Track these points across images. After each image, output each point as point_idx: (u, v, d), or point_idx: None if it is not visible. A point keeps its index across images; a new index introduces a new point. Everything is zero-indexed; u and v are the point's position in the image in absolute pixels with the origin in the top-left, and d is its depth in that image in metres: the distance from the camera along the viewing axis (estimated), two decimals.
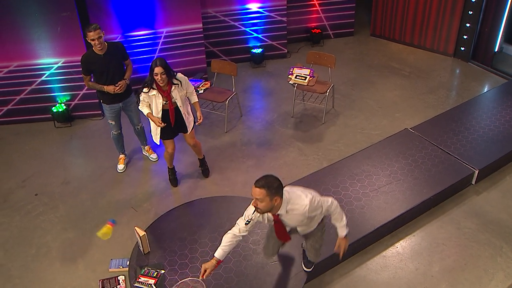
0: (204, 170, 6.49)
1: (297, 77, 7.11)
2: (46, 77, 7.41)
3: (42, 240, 5.70)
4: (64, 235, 5.76)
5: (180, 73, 5.63)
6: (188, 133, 5.95)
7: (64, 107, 7.57)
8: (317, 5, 9.55)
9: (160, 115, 5.64)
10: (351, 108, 7.83)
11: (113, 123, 6.37)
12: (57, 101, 7.62)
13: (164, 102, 5.58)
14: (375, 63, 9.16)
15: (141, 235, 5.03)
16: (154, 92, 5.53)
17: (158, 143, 5.96)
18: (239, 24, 8.82)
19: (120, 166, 6.72)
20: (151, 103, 5.64)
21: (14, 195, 6.38)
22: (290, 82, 7.18)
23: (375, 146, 6.68)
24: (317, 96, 7.78)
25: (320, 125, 7.44)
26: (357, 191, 5.91)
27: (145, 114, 5.69)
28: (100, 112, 7.79)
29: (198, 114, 5.86)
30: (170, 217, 5.64)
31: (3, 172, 6.78)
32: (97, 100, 7.66)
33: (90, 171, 6.74)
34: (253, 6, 8.72)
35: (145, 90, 5.53)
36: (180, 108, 5.66)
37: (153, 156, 6.86)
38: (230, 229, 5.25)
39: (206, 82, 7.26)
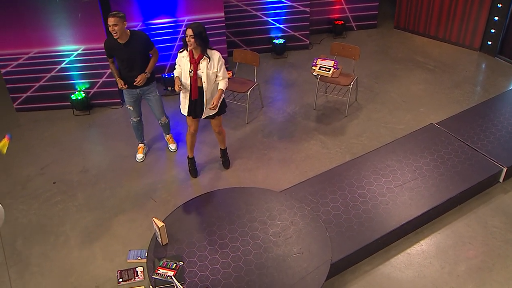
0: (225, 161, 6.38)
1: (321, 68, 6.94)
2: (65, 64, 7.34)
3: (61, 229, 5.64)
4: (82, 224, 5.69)
5: (218, 52, 5.49)
6: (211, 118, 5.83)
7: (83, 94, 7.50)
8: None
9: (188, 82, 5.55)
10: (375, 101, 7.66)
11: (131, 108, 6.29)
12: (76, 89, 7.56)
13: (191, 70, 5.47)
14: (399, 56, 8.97)
15: (159, 226, 4.92)
16: (184, 55, 5.50)
17: (186, 114, 5.82)
18: (261, 14, 8.67)
19: (139, 156, 6.63)
20: (182, 67, 5.57)
21: (33, 182, 6.33)
22: (313, 73, 7.02)
23: (399, 141, 6.52)
24: (340, 88, 7.61)
25: (343, 118, 7.29)
26: (382, 186, 5.76)
27: (175, 76, 5.65)
28: (119, 100, 7.71)
29: (214, 98, 5.53)
30: (189, 208, 5.53)
31: (22, 158, 6.74)
32: (116, 88, 7.58)
33: (109, 160, 6.66)
34: None
35: (180, 50, 5.56)
36: (203, 84, 5.51)
37: (172, 146, 6.76)
38: (248, 221, 5.22)
39: (228, 72, 7.07)
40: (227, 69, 7.61)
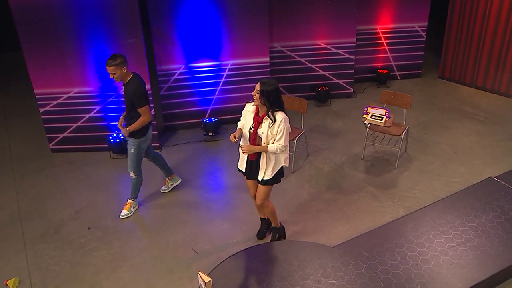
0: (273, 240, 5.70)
1: (373, 117, 6.61)
2: (105, 105, 7.12)
3: (95, 278, 5.25)
4: (118, 274, 5.29)
5: (284, 115, 4.81)
6: (259, 183, 5.12)
7: (121, 137, 7.24)
8: (385, 44, 9.15)
9: (247, 138, 5.00)
10: (425, 152, 7.27)
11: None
12: (114, 131, 7.31)
13: (251, 127, 4.95)
14: (446, 107, 8.61)
15: (206, 281, 4.50)
16: (250, 109, 4.97)
17: (243, 170, 5.20)
18: (305, 60, 8.44)
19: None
20: (245, 120, 5.02)
21: (66, 226, 6.00)
22: (365, 122, 6.69)
23: (457, 195, 6.09)
24: (390, 138, 7.25)
25: (393, 170, 6.89)
26: (443, 244, 5.30)
27: (238, 127, 5.10)
28: (158, 144, 7.44)
29: (253, 146, 4.91)
30: (235, 262, 5.12)
31: (57, 201, 6.45)
32: (156, 132, 7.34)
33: (146, 206, 6.32)
34: (321, 43, 8.35)
35: (249, 101, 5.01)
36: (262, 144, 4.94)
37: (123, 212, 6.15)
38: (300, 278, 4.79)
39: None
40: None
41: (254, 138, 4.93)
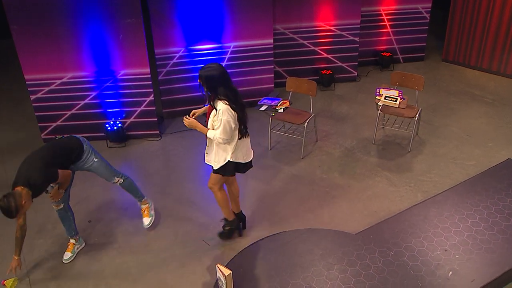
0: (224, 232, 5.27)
1: (387, 98, 6.31)
2: (101, 90, 6.70)
3: (100, 275, 4.90)
4: (125, 270, 4.93)
5: (225, 106, 4.37)
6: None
7: (119, 125, 6.83)
8: (388, 26, 8.83)
9: None
10: (437, 136, 6.99)
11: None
12: (111, 119, 6.90)
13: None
14: (453, 89, 8.34)
15: (226, 274, 4.19)
16: None
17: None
18: (308, 42, 8.08)
19: (67, 254, 5.11)
20: None
21: None
22: (378, 103, 6.38)
23: (477, 178, 5.84)
24: (402, 121, 6.95)
25: (406, 153, 6.60)
26: (469, 228, 5.04)
27: None
28: (157, 132, 7.05)
29: (194, 122, 4.60)
30: (253, 252, 4.80)
31: None
32: (155, 119, 6.95)
33: (149, 197, 5.92)
34: (325, 24, 8.00)
35: None
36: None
37: (146, 221, 5.41)
38: (325, 268, 4.47)
39: (285, 101, 6.33)
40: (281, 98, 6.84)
41: (207, 121, 4.62)
